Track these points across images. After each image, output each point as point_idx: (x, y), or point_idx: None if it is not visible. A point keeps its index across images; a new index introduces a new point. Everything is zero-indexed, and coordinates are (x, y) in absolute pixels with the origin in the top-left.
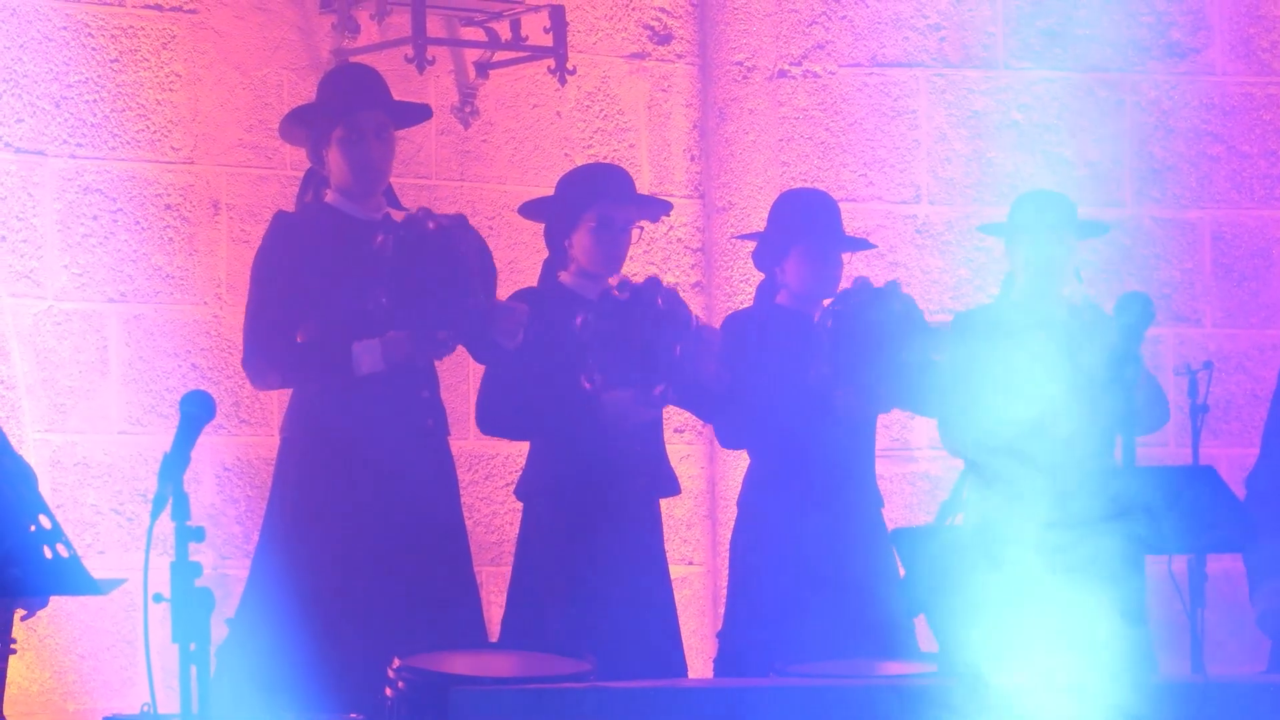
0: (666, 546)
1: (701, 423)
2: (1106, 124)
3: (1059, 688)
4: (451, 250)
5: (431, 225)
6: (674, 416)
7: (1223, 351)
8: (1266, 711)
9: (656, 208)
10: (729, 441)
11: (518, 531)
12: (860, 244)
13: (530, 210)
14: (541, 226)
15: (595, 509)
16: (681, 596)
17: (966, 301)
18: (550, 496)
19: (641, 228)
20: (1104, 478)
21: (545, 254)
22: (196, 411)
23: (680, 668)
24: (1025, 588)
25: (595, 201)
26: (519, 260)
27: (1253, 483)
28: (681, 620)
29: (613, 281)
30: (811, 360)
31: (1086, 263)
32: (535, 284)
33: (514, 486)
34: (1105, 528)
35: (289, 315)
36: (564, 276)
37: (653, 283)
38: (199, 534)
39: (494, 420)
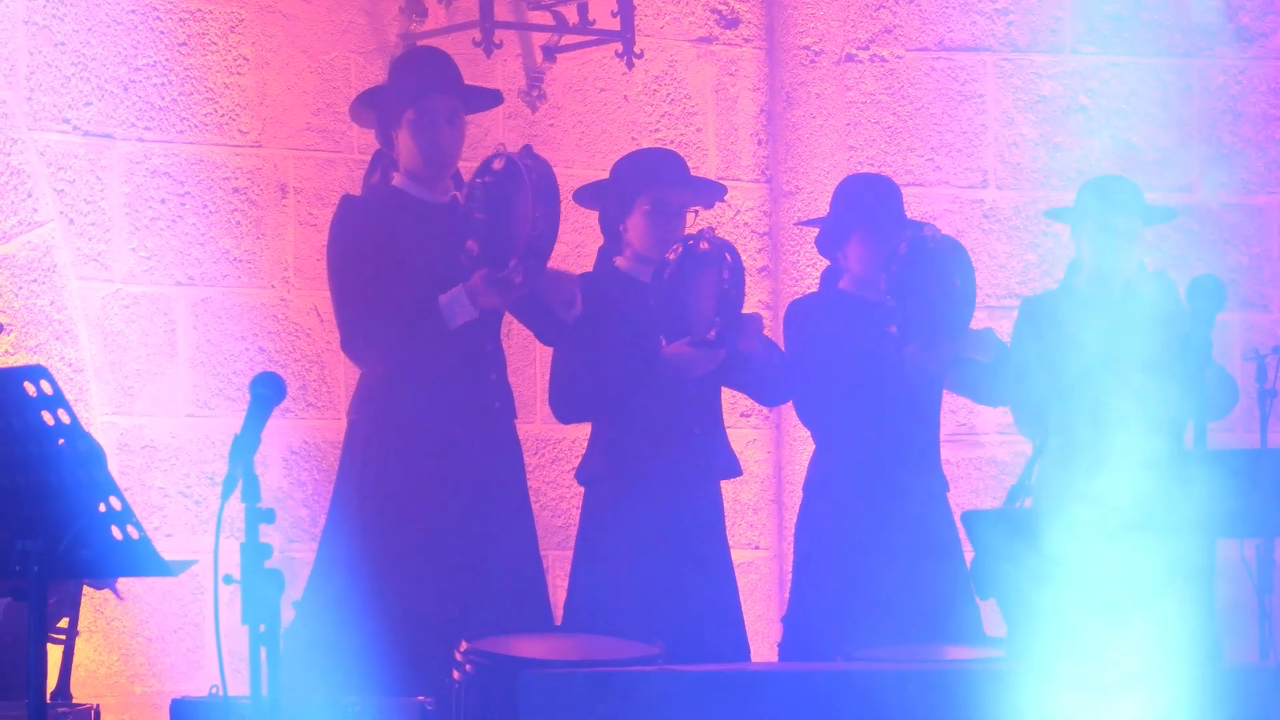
0: (733, 531)
1: (768, 407)
2: (1174, 109)
3: (1125, 674)
4: (515, 185)
5: (499, 164)
6: (740, 400)
7: None
8: None
9: (710, 191)
10: (808, 418)
11: (579, 516)
12: (921, 229)
13: (584, 196)
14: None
15: (656, 492)
16: (747, 581)
17: (1033, 287)
18: (611, 480)
19: (696, 211)
20: (1175, 462)
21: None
22: (267, 393)
23: (743, 651)
24: (1093, 574)
25: (648, 186)
26: (585, 244)
27: None
28: (747, 604)
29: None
30: (880, 333)
31: (1154, 249)
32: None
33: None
34: (1175, 512)
35: (376, 292)
36: (619, 261)
37: (702, 231)
38: (269, 515)
39: (567, 406)
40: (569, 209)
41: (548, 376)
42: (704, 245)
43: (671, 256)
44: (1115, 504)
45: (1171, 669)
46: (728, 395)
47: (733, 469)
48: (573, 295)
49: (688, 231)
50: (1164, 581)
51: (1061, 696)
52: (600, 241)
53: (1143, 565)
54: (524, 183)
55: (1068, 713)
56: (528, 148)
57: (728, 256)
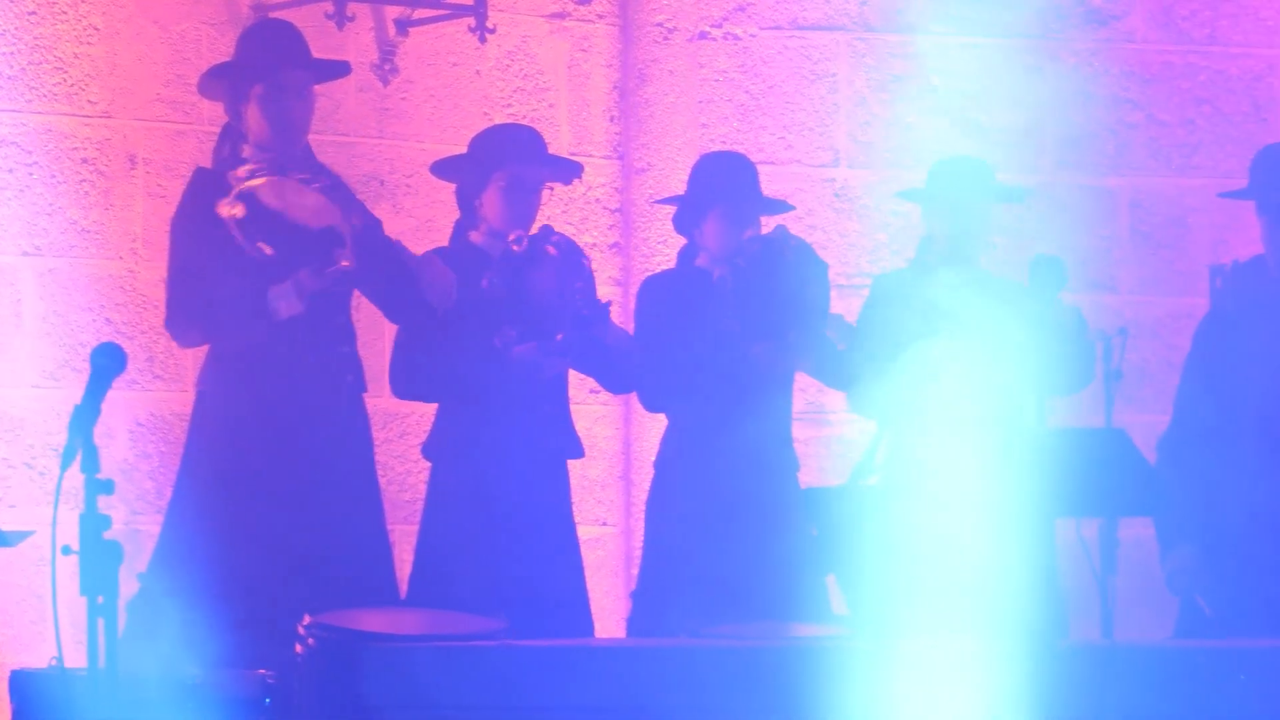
0: (581, 507)
1: (614, 394)
2: (1026, 90)
3: (966, 652)
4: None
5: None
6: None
7: (1138, 319)
8: (1173, 676)
9: (567, 169)
10: (651, 404)
11: (425, 490)
12: (778, 206)
13: (441, 169)
14: (454, 186)
15: (501, 469)
16: (595, 557)
17: (884, 266)
18: (457, 456)
19: (552, 188)
20: (1017, 440)
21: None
22: (107, 363)
23: (587, 627)
24: (935, 550)
25: (505, 161)
26: (436, 219)
27: (1163, 447)
28: (594, 581)
29: (510, 237)
30: (719, 318)
31: (1004, 229)
32: (447, 244)
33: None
34: (1017, 490)
35: (210, 274)
36: (474, 236)
37: (545, 231)
38: (108, 486)
39: (407, 384)
40: (423, 182)
41: None
42: (551, 249)
43: (516, 248)
44: (958, 482)
45: (1012, 647)
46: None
47: (576, 449)
48: (451, 291)
49: (542, 218)
50: (1006, 560)
51: (902, 674)
52: (455, 216)
53: (984, 543)
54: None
55: (909, 690)
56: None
57: (582, 262)
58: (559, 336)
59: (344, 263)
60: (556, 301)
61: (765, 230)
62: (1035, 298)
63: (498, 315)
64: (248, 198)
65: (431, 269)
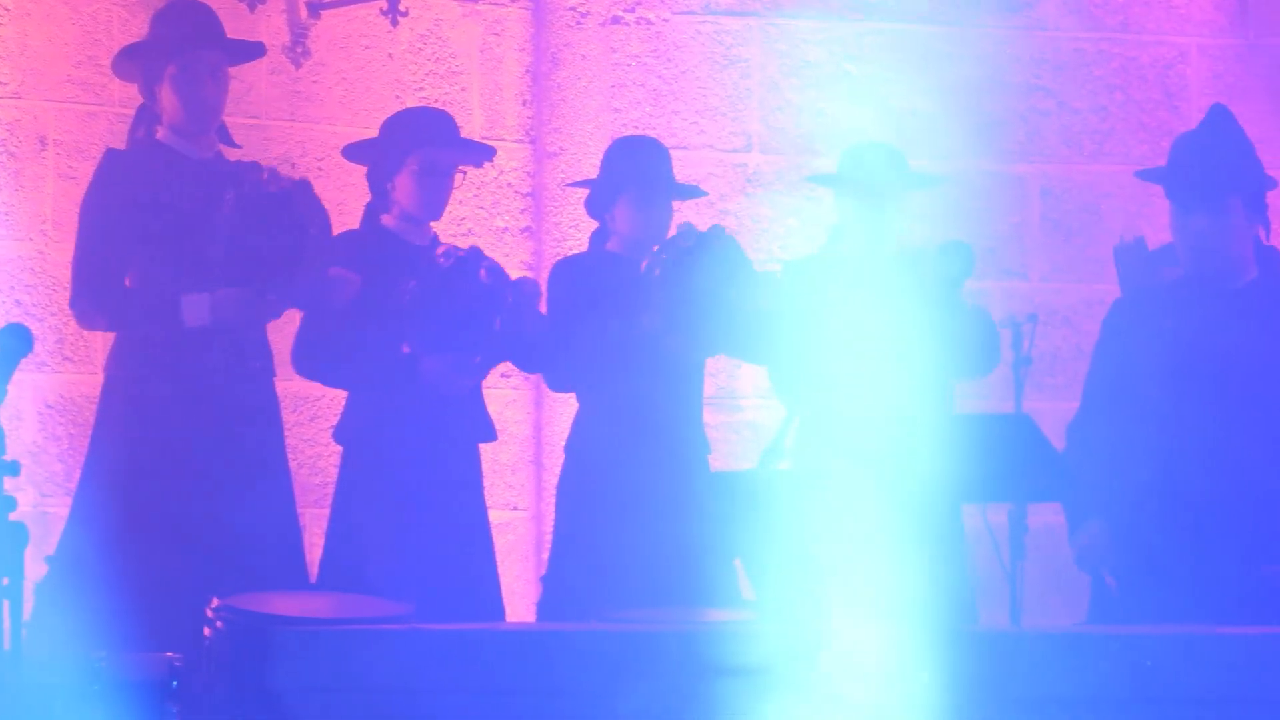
0: (491, 491)
1: (527, 374)
2: (938, 77)
3: (874, 636)
4: (291, 214)
5: (273, 188)
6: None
7: (1049, 306)
8: (1079, 662)
9: (480, 152)
10: (557, 385)
11: (336, 474)
12: (690, 191)
13: (354, 153)
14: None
15: (412, 453)
16: (506, 541)
17: (795, 251)
18: (368, 440)
19: (464, 172)
20: (924, 426)
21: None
22: (13, 344)
23: (498, 612)
24: (843, 535)
25: (418, 145)
26: (347, 203)
27: (1072, 432)
28: (505, 565)
29: (439, 250)
30: (640, 308)
31: (916, 215)
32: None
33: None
34: (925, 476)
35: (118, 257)
36: (386, 220)
37: (475, 254)
38: (14, 468)
39: (310, 365)
40: (335, 165)
41: None
42: (484, 274)
43: (444, 263)
44: (867, 467)
45: (918, 632)
46: None
47: (488, 433)
48: (349, 296)
49: (454, 203)
50: (913, 545)
51: (809, 658)
52: (367, 199)
53: (893, 528)
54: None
55: (815, 675)
56: (305, 182)
57: (508, 291)
58: (476, 360)
59: (272, 310)
60: (475, 325)
61: (681, 218)
62: (941, 283)
63: (410, 322)
64: None
65: (334, 286)
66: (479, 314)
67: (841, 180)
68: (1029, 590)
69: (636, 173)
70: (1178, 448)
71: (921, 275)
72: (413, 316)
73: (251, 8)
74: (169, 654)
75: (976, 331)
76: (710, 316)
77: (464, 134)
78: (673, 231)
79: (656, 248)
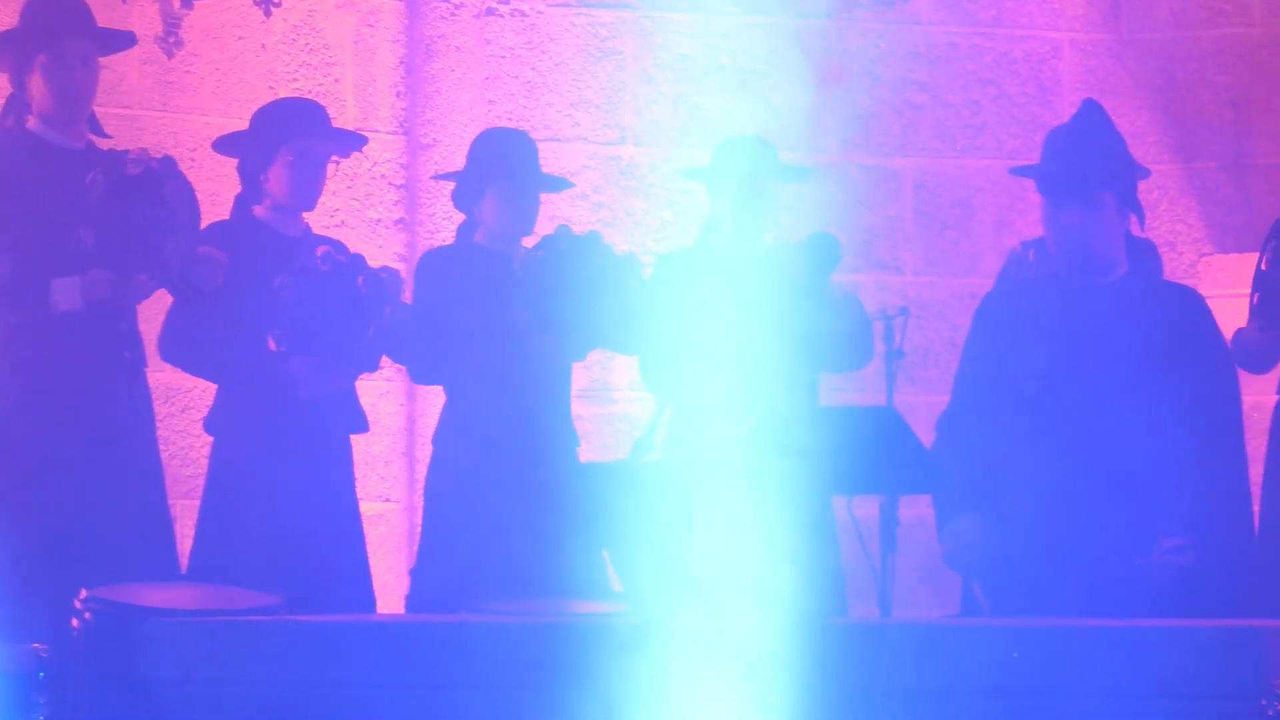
0: (364, 483)
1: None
2: (813, 70)
3: (740, 628)
4: (158, 194)
5: (138, 170)
6: None
7: (923, 299)
8: (946, 654)
9: (351, 142)
10: (419, 377)
11: (207, 465)
12: (559, 184)
13: (225, 145)
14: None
15: (283, 444)
16: (378, 533)
17: (669, 244)
18: (238, 431)
19: (337, 162)
20: (792, 418)
21: None
22: None
23: (368, 603)
24: (712, 527)
25: (290, 135)
26: (220, 193)
27: (942, 425)
28: (377, 557)
29: (318, 252)
30: (508, 302)
31: (789, 209)
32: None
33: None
34: (793, 468)
35: None
36: (259, 210)
37: (357, 261)
38: None
39: (176, 352)
40: (207, 156)
41: None
42: (361, 284)
43: (323, 267)
44: (737, 458)
45: (787, 624)
46: None
47: (360, 424)
48: (218, 276)
49: (327, 194)
50: (783, 536)
51: (676, 650)
52: (237, 190)
53: (762, 520)
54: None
55: (682, 667)
56: (168, 159)
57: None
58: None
59: (142, 292)
60: (350, 333)
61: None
62: (809, 275)
63: (282, 318)
64: None
65: (203, 266)
66: (352, 322)
67: (713, 174)
68: (900, 582)
69: (503, 165)
70: (1047, 442)
71: (791, 267)
72: (283, 315)
73: None
74: (36, 645)
75: (847, 324)
76: (581, 318)
77: (337, 125)
78: (549, 228)
79: (528, 241)
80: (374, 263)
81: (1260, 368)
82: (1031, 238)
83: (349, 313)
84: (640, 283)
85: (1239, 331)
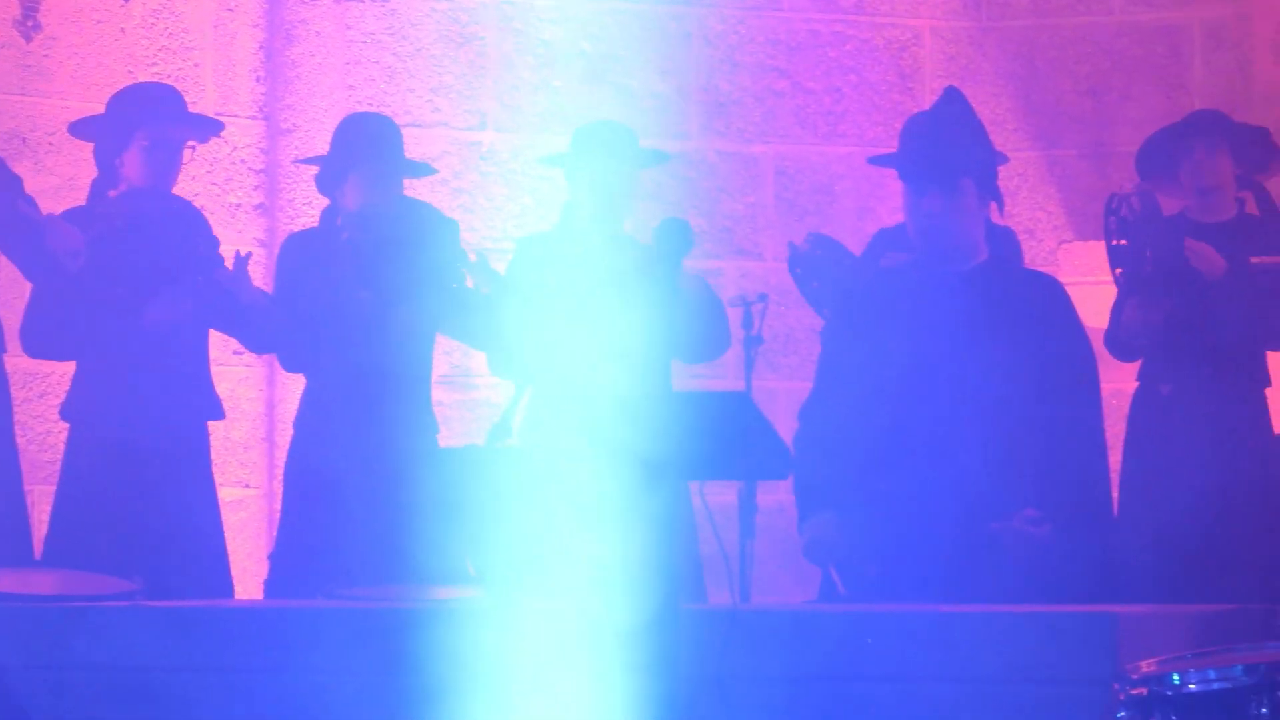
0: (224, 469)
1: (258, 354)
2: (673, 57)
3: (595, 613)
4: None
5: None
6: (233, 339)
7: (784, 285)
8: (801, 639)
9: (208, 127)
10: (290, 365)
11: (63, 451)
12: (421, 169)
13: (80, 129)
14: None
15: (140, 430)
16: (238, 519)
17: (530, 230)
18: (96, 417)
19: (193, 147)
20: (646, 403)
21: None
22: None
23: (226, 589)
24: (567, 512)
25: (146, 120)
26: (79, 177)
27: (805, 413)
28: (237, 543)
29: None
30: (356, 280)
31: (650, 195)
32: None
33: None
34: (647, 453)
35: None
36: (114, 195)
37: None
38: None
39: (40, 342)
40: (66, 140)
41: None
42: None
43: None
44: (592, 444)
45: (641, 609)
46: (219, 333)
47: (216, 411)
48: (78, 251)
49: (187, 179)
50: (639, 522)
51: (532, 636)
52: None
53: (618, 505)
54: None
55: (537, 651)
56: None
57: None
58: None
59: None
60: (180, 256)
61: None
62: (661, 261)
63: (132, 271)
64: None
65: (56, 230)
66: (185, 243)
67: (572, 160)
68: (760, 568)
69: (366, 150)
70: (907, 430)
71: (644, 253)
72: (131, 265)
73: None
74: None
75: (700, 310)
76: (428, 290)
77: (197, 110)
78: None
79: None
80: (234, 248)
81: (1131, 353)
82: (891, 224)
83: (181, 237)
84: (457, 247)
85: (1114, 315)
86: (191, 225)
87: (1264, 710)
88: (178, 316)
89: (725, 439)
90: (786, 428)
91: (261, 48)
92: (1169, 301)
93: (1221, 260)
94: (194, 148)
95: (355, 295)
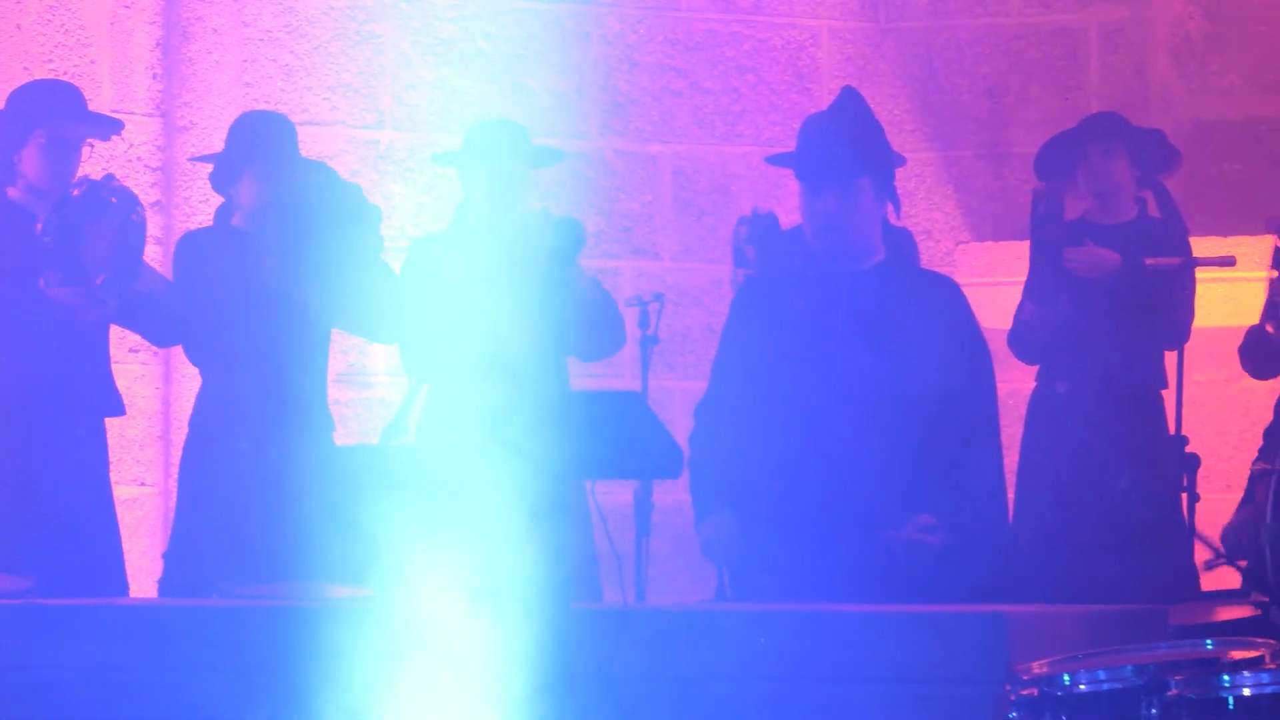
0: (120, 467)
1: (160, 348)
2: (572, 56)
3: (486, 612)
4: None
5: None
6: (130, 336)
7: (680, 285)
8: (695, 639)
9: (107, 125)
10: (196, 356)
11: None
12: (315, 167)
13: None
14: None
15: (36, 427)
16: (134, 517)
17: (428, 229)
18: None
19: (92, 145)
20: (541, 402)
21: None
22: None
23: (120, 587)
24: (463, 510)
25: (44, 118)
26: None
27: (700, 412)
28: (133, 541)
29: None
30: (259, 258)
31: (547, 194)
32: None
33: None
34: (542, 452)
35: None
36: (12, 193)
37: (107, 179)
38: None
39: None
40: None
41: None
42: (113, 199)
43: (76, 193)
44: (487, 443)
45: (531, 608)
46: (116, 330)
47: (116, 407)
48: None
49: (86, 171)
50: (535, 521)
51: (423, 635)
52: None
53: (513, 504)
54: None
55: (427, 651)
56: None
57: (135, 211)
58: (99, 280)
59: None
60: (109, 251)
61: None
62: (554, 260)
63: (46, 262)
64: None
65: None
66: (108, 239)
67: (465, 159)
68: (657, 567)
69: (261, 148)
70: (803, 429)
71: (536, 252)
72: (45, 255)
73: None
74: None
75: (594, 309)
76: (332, 264)
77: (93, 107)
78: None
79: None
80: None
81: (1033, 353)
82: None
83: (107, 230)
84: (376, 232)
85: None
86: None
87: (1153, 711)
88: (90, 314)
89: (616, 438)
90: (683, 427)
91: (158, 45)
92: (1063, 302)
93: (1112, 261)
94: (93, 146)
95: (262, 264)
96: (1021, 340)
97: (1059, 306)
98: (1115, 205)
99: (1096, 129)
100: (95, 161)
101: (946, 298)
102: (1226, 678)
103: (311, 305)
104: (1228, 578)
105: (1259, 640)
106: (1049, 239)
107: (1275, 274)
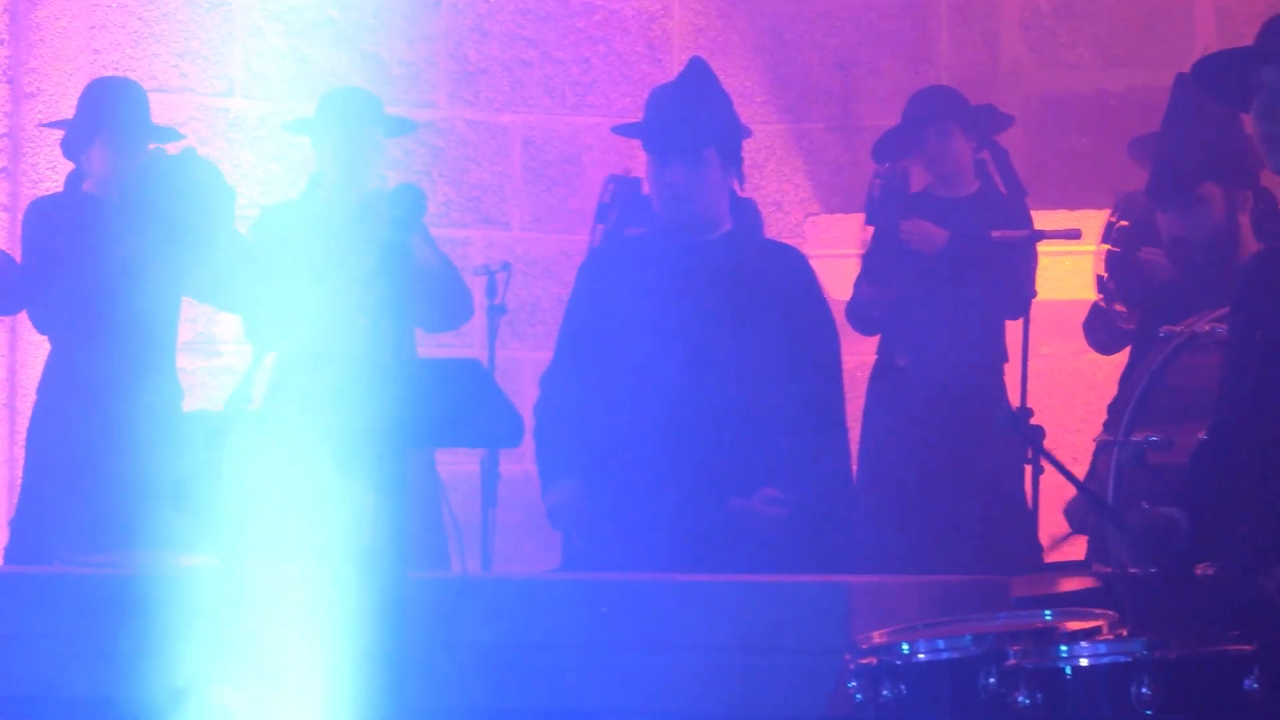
0: None
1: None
2: (422, 24)
3: (327, 580)
4: None
5: None
6: None
7: (530, 255)
8: (533, 606)
9: (165, 134)
10: (42, 328)
11: None
12: (168, 134)
13: None
14: None
15: None
16: None
17: (278, 197)
18: None
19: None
20: (381, 370)
21: None
22: None
23: None
24: (303, 479)
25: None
26: None
27: (545, 381)
28: None
29: None
30: (114, 238)
31: (398, 163)
32: None
33: None
34: (382, 419)
35: None
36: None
37: None
38: None
39: None
40: None
41: None
42: None
43: None
44: (330, 410)
45: (371, 575)
46: None
47: None
48: None
49: None
50: (376, 490)
51: (263, 603)
52: None
53: (354, 472)
54: None
55: (267, 619)
56: None
57: None
58: None
59: None
60: None
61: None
62: (394, 228)
63: None
64: None
65: None
66: None
67: (317, 127)
68: (504, 537)
69: (111, 114)
70: (648, 399)
71: (378, 220)
72: None
73: None
74: None
75: (437, 279)
76: (186, 239)
77: None
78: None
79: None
80: None
81: (870, 326)
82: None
83: None
84: (231, 211)
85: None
86: None
87: (991, 680)
88: None
89: (455, 405)
90: (532, 396)
91: (5, 10)
92: (896, 276)
93: (940, 238)
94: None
95: (110, 249)
96: (858, 315)
97: (892, 288)
98: (956, 180)
99: (926, 113)
100: None
101: (793, 268)
102: (1064, 648)
103: (162, 275)
104: (1073, 549)
105: (1098, 611)
106: (887, 221)
107: (1106, 248)
